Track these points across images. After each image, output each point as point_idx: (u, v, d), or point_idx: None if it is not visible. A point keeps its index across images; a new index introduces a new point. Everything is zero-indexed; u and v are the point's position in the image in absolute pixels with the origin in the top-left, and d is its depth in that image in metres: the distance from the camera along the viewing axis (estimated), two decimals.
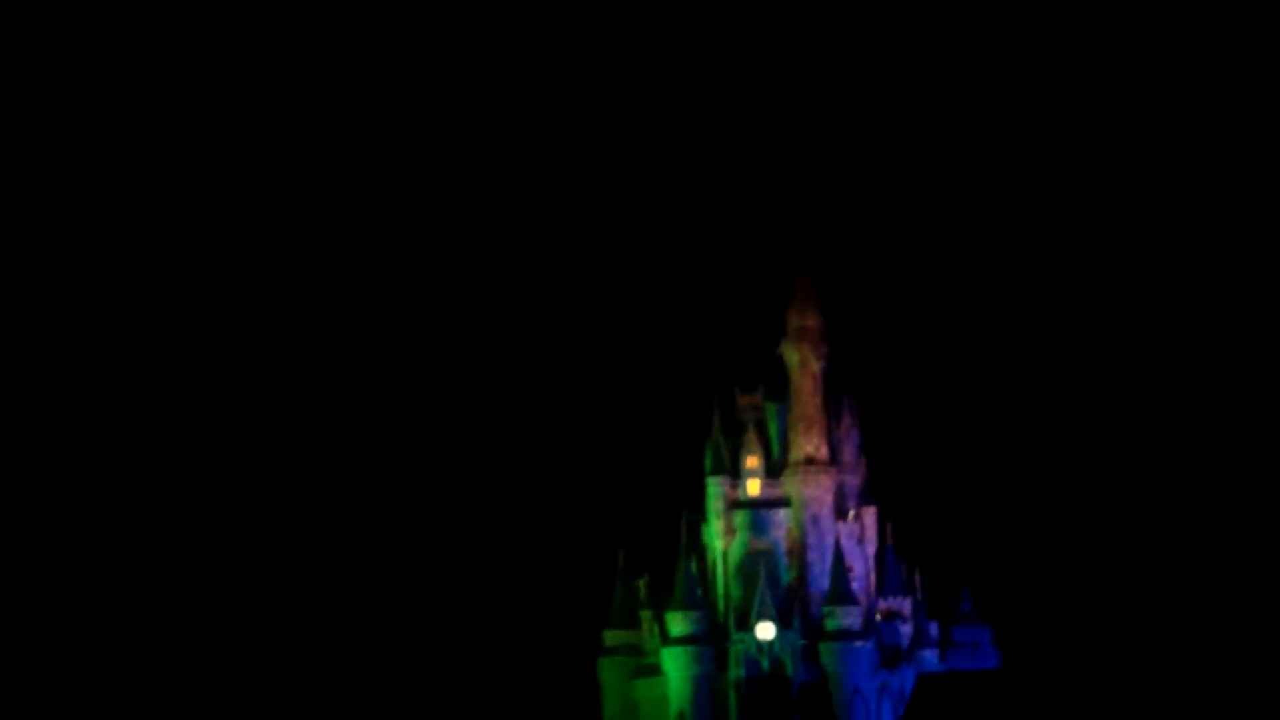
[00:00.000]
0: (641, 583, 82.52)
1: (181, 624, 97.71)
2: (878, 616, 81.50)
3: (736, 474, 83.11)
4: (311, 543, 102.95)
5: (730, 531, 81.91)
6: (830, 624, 78.48)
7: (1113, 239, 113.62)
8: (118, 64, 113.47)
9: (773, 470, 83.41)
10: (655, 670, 79.99)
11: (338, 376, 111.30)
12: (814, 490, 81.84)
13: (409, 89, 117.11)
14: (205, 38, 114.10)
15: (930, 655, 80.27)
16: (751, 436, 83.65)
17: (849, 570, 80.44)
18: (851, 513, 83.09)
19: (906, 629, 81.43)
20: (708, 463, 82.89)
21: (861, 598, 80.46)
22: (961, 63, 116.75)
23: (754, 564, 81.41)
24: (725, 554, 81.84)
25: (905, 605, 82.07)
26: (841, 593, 79.15)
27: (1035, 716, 67.04)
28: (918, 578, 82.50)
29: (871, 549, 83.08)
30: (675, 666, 79.01)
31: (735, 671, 78.27)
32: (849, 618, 78.47)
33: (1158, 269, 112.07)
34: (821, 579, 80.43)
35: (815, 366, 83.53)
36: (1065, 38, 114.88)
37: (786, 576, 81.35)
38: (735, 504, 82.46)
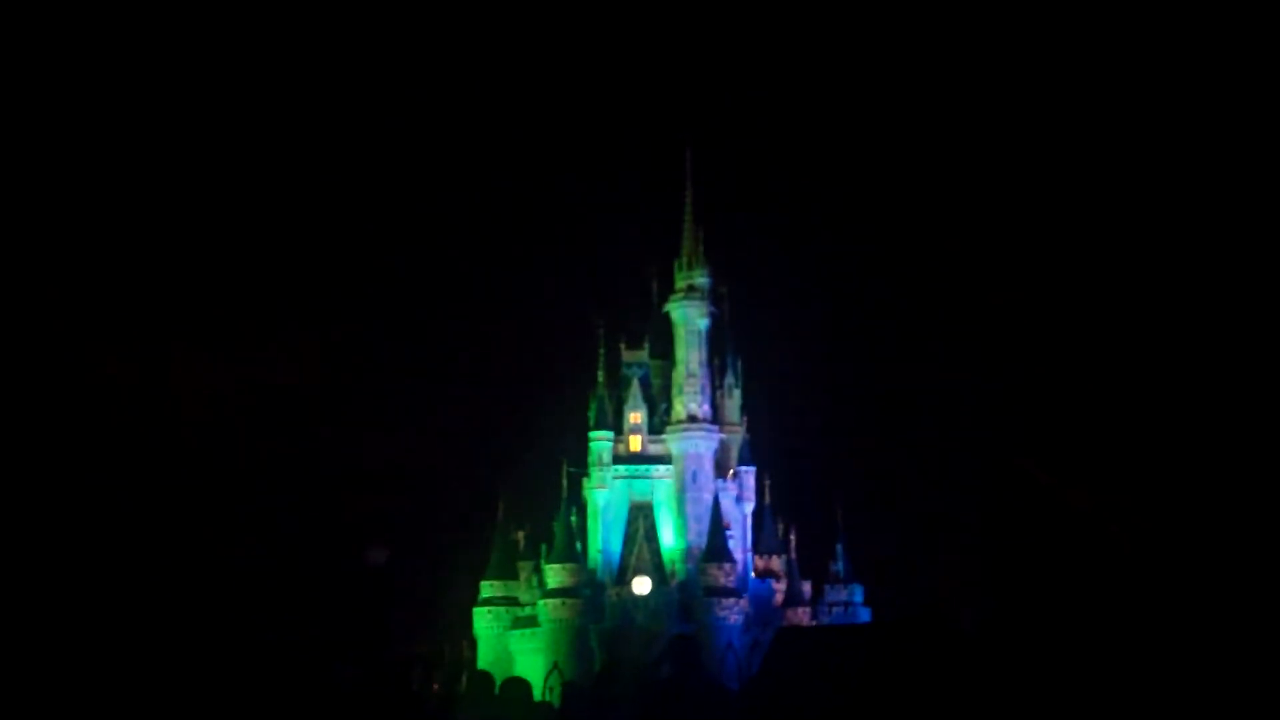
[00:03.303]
0: (521, 534, 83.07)
1: None
2: (753, 574, 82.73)
3: (619, 429, 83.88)
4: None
5: (611, 486, 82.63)
6: (705, 580, 79.40)
7: (992, 188, 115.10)
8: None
9: (655, 427, 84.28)
10: (532, 621, 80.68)
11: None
12: (695, 448, 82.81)
13: None
14: None
15: (802, 613, 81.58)
16: (635, 392, 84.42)
17: (726, 528, 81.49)
18: (731, 471, 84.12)
19: (780, 587, 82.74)
20: (591, 417, 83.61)
21: (738, 555, 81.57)
22: (858, 22, 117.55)
23: (633, 519, 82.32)
24: (605, 508, 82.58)
25: (779, 564, 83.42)
26: (718, 550, 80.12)
27: (886, 667, 68.66)
28: (793, 537, 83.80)
29: (750, 508, 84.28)
30: (551, 618, 79.76)
31: (611, 624, 79.04)
32: (724, 574, 79.46)
33: (1039, 224, 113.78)
34: (699, 536, 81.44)
35: (700, 326, 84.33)
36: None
37: (664, 532, 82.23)
38: (617, 459, 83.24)
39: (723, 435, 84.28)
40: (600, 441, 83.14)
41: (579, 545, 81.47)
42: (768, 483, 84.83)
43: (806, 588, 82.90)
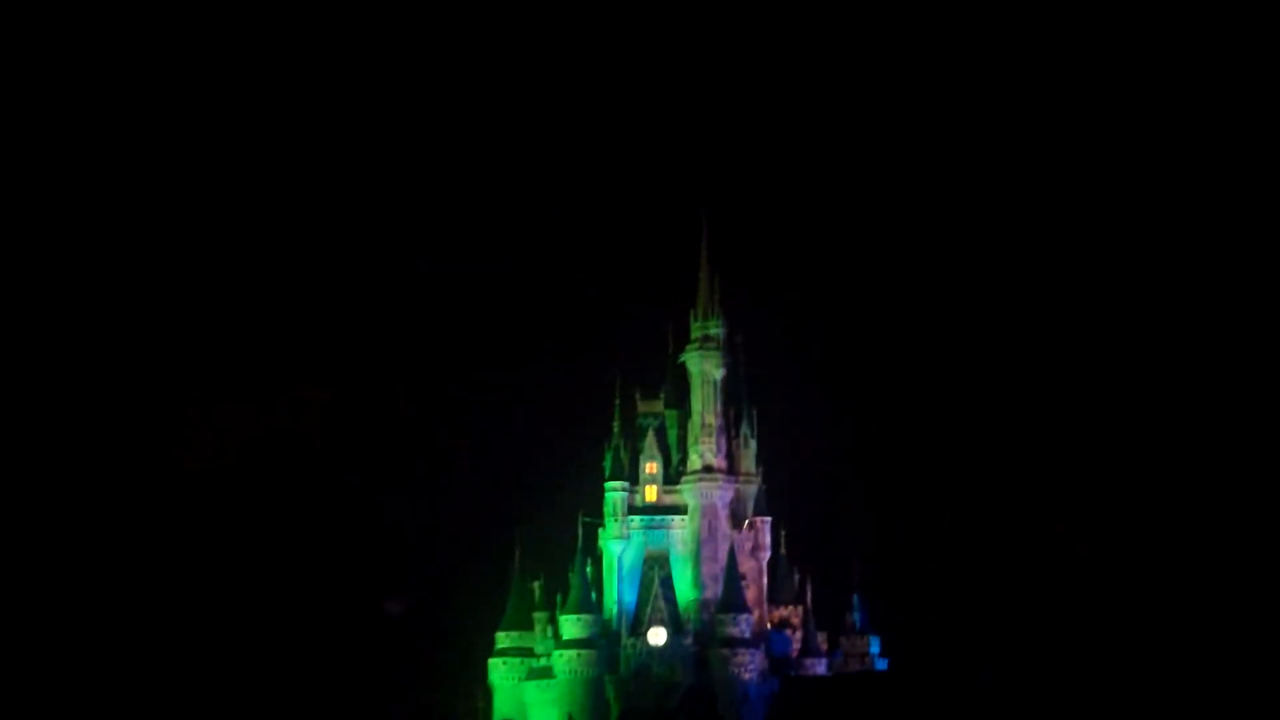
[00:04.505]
0: (536, 585, 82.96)
1: None
2: (768, 625, 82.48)
3: (635, 479, 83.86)
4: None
5: (626, 536, 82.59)
6: (721, 631, 79.18)
7: (1001, 254, 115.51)
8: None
9: (671, 477, 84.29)
10: (547, 672, 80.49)
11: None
12: (710, 499, 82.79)
13: None
14: None
15: (818, 663, 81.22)
16: (651, 443, 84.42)
17: (742, 578, 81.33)
18: (747, 522, 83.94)
19: (796, 637, 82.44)
20: (607, 467, 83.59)
21: (753, 606, 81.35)
22: (867, 69, 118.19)
23: (649, 569, 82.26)
24: (620, 558, 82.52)
25: (796, 614, 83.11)
26: (733, 600, 79.96)
27: (888, 714, 68.72)
28: (809, 588, 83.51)
29: (765, 558, 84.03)
30: (567, 669, 79.60)
31: (626, 674, 78.85)
32: (739, 625, 79.28)
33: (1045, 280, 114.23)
34: (714, 586, 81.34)
35: (716, 376, 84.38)
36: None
37: (680, 582, 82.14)
38: (632, 509, 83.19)
39: (738, 485, 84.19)
40: (616, 492, 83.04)
41: (594, 596, 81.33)
42: (784, 533, 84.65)
43: (822, 639, 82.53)
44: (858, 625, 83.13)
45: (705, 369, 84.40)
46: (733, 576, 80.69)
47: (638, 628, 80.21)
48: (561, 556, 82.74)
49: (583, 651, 79.51)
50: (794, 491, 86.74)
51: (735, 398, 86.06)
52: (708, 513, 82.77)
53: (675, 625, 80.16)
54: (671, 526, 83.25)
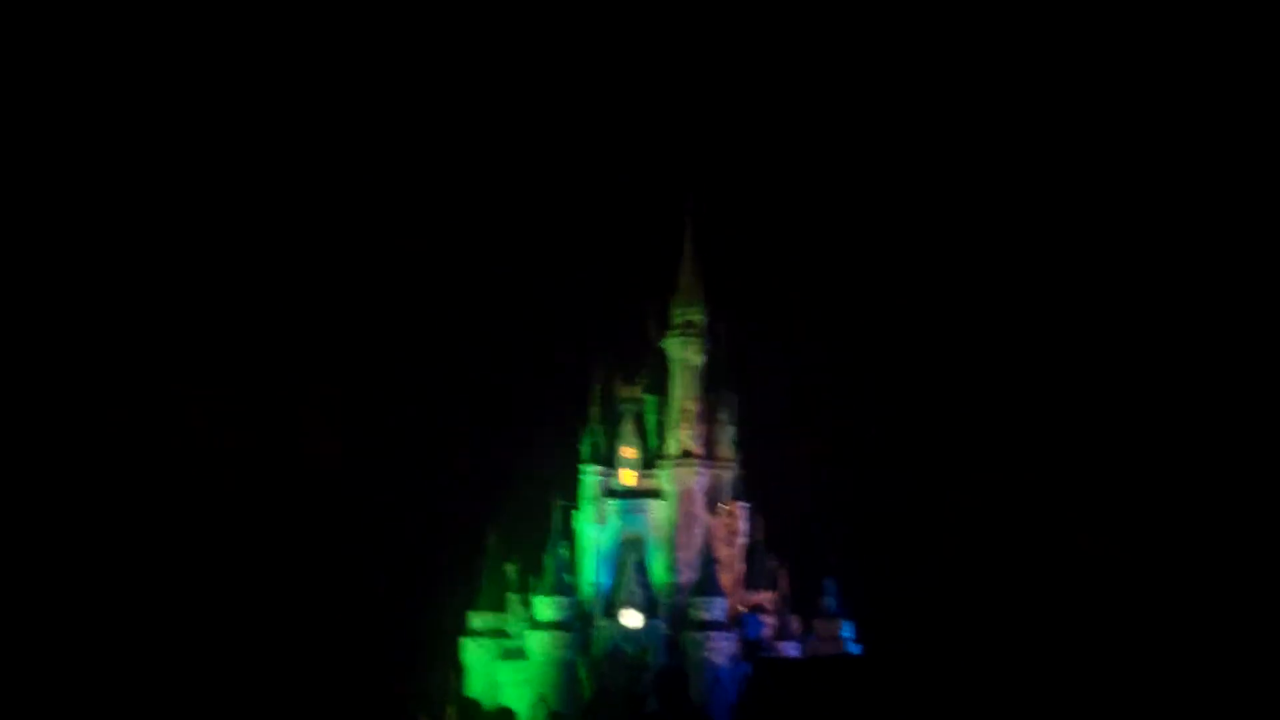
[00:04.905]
0: (511, 566, 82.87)
1: None
2: (742, 609, 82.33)
3: (612, 463, 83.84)
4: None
5: (602, 520, 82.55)
6: (694, 614, 79.13)
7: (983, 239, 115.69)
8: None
9: (648, 461, 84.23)
10: (520, 653, 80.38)
11: None
12: (687, 484, 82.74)
13: None
14: None
15: (791, 648, 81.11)
16: (629, 427, 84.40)
17: (717, 563, 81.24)
18: (723, 507, 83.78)
19: (770, 622, 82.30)
20: (584, 451, 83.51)
21: (728, 590, 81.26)
22: (855, 56, 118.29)
23: (624, 553, 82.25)
24: (596, 542, 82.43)
25: (771, 599, 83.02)
26: (708, 585, 79.91)
27: (860, 697, 68.67)
28: (785, 573, 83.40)
29: (741, 543, 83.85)
30: (540, 650, 79.50)
31: (599, 656, 78.87)
32: (713, 609, 79.23)
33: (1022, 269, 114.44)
34: (690, 570, 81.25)
35: (696, 361, 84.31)
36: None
37: (655, 566, 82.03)
38: (609, 493, 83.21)
39: (716, 471, 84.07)
40: (592, 475, 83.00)
41: (569, 578, 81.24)
42: (760, 518, 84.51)
43: (795, 623, 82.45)
44: (831, 609, 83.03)
45: (685, 355, 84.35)
46: (707, 561, 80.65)
47: (612, 610, 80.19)
48: (536, 539, 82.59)
49: (556, 633, 79.43)
50: (774, 478, 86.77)
51: (716, 383, 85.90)
52: (684, 498, 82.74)
53: (649, 608, 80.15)
54: (648, 511, 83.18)
